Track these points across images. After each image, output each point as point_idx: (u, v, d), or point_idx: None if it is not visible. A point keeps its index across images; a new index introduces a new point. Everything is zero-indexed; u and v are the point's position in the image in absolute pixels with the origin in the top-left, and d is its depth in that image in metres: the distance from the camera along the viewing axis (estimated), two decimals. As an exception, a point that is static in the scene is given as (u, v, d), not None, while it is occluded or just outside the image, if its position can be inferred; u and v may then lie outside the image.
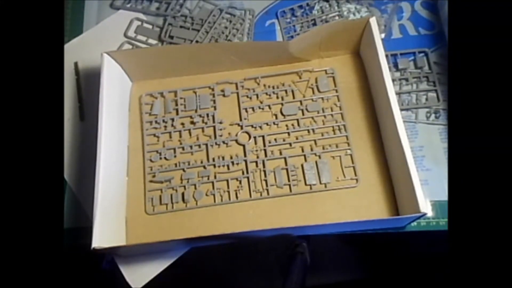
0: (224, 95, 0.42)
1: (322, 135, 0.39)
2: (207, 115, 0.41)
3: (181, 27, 0.46)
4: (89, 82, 0.44)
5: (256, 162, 0.39)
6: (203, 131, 0.41)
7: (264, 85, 0.42)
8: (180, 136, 0.40)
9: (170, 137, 0.41)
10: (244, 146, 0.40)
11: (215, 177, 0.39)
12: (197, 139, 0.40)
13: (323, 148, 0.39)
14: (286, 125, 0.40)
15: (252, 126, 0.40)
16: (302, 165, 0.38)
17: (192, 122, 0.41)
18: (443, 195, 0.37)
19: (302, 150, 0.39)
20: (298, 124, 0.40)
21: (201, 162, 0.39)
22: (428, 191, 0.37)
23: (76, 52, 0.45)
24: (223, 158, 0.39)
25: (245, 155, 0.39)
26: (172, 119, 0.41)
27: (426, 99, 0.41)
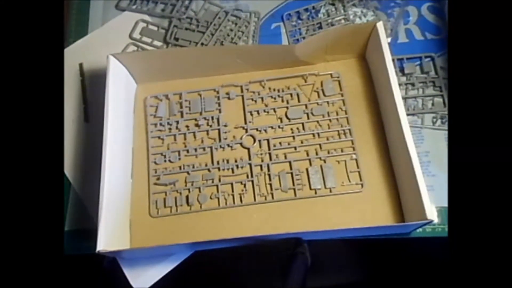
0: (229, 98, 0.42)
1: (327, 139, 0.39)
2: (212, 118, 0.41)
3: (186, 29, 0.45)
4: (94, 84, 0.44)
5: (261, 165, 0.39)
6: (207, 134, 0.40)
7: (269, 88, 0.42)
8: (185, 138, 0.40)
9: (175, 139, 0.40)
10: (248, 149, 0.40)
11: (219, 180, 0.39)
12: (202, 142, 0.40)
13: (328, 152, 0.39)
14: (291, 129, 0.40)
15: (257, 129, 0.40)
16: (307, 169, 0.38)
17: (196, 125, 0.41)
18: (449, 201, 0.37)
19: (307, 154, 0.39)
20: (303, 128, 0.40)
21: (206, 165, 0.39)
22: (434, 197, 0.37)
23: (81, 54, 0.45)
24: (227, 161, 0.39)
25: (249, 159, 0.39)
26: (177, 122, 0.41)
27: (432, 104, 0.40)
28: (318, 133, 0.40)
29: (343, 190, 0.37)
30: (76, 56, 0.45)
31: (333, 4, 0.46)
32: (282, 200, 0.38)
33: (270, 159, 0.39)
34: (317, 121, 0.40)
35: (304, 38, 0.44)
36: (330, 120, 0.40)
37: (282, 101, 0.41)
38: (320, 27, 0.45)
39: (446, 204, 0.37)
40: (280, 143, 0.40)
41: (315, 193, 0.38)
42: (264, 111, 0.41)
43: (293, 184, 0.38)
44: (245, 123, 0.40)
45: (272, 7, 0.47)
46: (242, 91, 0.42)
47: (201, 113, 0.41)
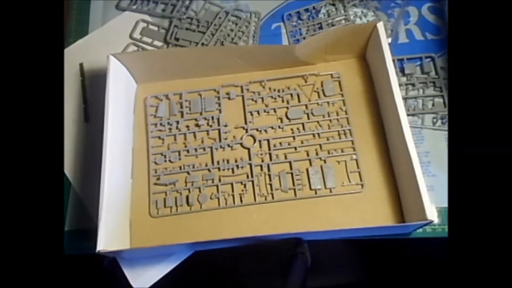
0: (229, 98, 0.42)
1: (328, 139, 0.39)
2: (212, 118, 0.41)
3: (186, 29, 0.46)
4: (94, 84, 0.44)
5: (261, 165, 0.39)
6: (208, 134, 0.40)
7: (270, 89, 0.42)
8: (185, 138, 0.40)
9: (175, 139, 0.40)
10: (249, 149, 0.40)
11: (219, 180, 0.39)
12: (202, 142, 0.40)
13: (329, 153, 0.39)
14: (291, 129, 0.40)
15: (257, 129, 0.40)
16: (307, 170, 0.38)
17: (197, 125, 0.41)
18: (449, 202, 0.37)
19: (307, 154, 0.39)
20: (303, 128, 0.40)
21: (206, 165, 0.39)
22: (434, 197, 0.37)
23: (82, 53, 0.45)
24: (227, 161, 0.39)
25: (250, 159, 0.39)
26: (177, 122, 0.41)
27: (433, 105, 0.40)
28: (318, 133, 0.39)
29: (343, 190, 0.37)
30: (76, 56, 0.45)
31: (333, 5, 0.46)
32: (282, 200, 0.38)
33: (270, 159, 0.39)
34: (317, 121, 0.40)
35: (304, 38, 0.44)
36: (330, 120, 0.40)
37: (282, 101, 0.41)
38: (321, 27, 0.45)
39: (446, 204, 0.37)
40: (280, 143, 0.40)
41: (315, 193, 0.38)
42: (264, 111, 0.41)
43: (293, 184, 0.38)
44: (245, 123, 0.40)
45: (272, 7, 0.47)
46: (242, 91, 0.42)
47: (201, 113, 0.41)
